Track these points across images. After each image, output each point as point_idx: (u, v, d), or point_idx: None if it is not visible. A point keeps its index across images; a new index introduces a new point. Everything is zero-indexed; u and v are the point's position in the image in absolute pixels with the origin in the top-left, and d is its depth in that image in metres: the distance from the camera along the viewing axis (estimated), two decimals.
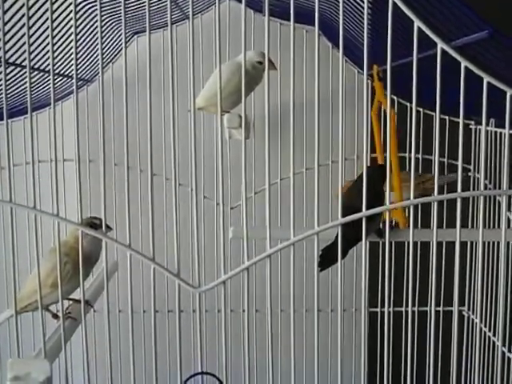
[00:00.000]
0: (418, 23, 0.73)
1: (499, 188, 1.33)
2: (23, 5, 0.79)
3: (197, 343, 0.87)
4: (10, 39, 1.03)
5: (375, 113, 1.35)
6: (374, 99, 1.35)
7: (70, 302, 1.19)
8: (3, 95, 0.81)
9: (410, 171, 0.79)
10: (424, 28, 0.73)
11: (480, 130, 1.54)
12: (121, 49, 1.61)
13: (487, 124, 0.82)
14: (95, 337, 1.53)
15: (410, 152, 0.80)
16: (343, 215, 0.81)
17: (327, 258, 1.05)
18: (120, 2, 1.17)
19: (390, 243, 0.84)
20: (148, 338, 1.57)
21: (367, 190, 0.80)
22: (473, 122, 1.55)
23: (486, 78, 0.73)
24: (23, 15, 0.81)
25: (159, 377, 0.86)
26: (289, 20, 0.78)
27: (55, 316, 1.13)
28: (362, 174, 0.85)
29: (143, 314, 1.61)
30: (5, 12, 0.79)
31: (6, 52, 0.80)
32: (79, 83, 1.59)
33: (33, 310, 1.14)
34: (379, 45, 0.87)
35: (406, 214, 1.26)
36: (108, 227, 0.86)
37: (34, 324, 1.37)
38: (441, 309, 1.57)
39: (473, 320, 1.61)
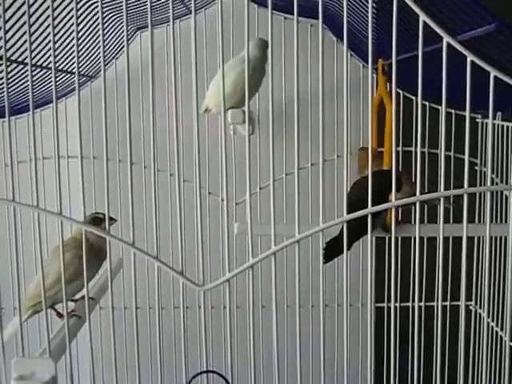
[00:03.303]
0: (423, 17, 0.72)
1: (506, 182, 1.32)
2: (24, 2, 0.78)
3: (202, 339, 0.87)
4: (12, 37, 1.03)
5: (374, 108, 1.34)
6: (376, 93, 1.35)
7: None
8: (5, 92, 0.80)
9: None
10: (430, 22, 0.72)
11: (487, 123, 1.53)
12: (124, 44, 1.59)
13: (494, 118, 0.82)
14: (101, 334, 1.53)
15: (416, 146, 0.79)
16: (349, 211, 0.81)
17: (331, 251, 1.04)
18: None
19: (397, 238, 0.83)
20: (154, 335, 1.57)
21: (373, 190, 0.79)
22: (479, 116, 1.54)
23: (493, 72, 0.73)
24: (24, 13, 0.80)
25: (165, 374, 0.86)
26: (293, 14, 0.77)
27: (60, 315, 1.13)
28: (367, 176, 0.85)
29: (149, 311, 1.61)
30: (6, 10, 0.79)
31: (7, 50, 0.79)
32: (83, 79, 1.58)
33: (41, 309, 1.14)
34: (385, 38, 0.86)
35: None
36: (112, 219, 0.85)
37: (39, 322, 1.37)
38: (448, 303, 1.56)
39: (480, 314, 1.60)
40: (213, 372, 0.86)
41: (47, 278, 1.05)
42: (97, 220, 1.11)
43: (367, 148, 1.41)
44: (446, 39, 0.72)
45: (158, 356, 0.86)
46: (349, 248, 0.85)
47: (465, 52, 0.72)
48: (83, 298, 1.17)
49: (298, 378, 0.85)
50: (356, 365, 1.63)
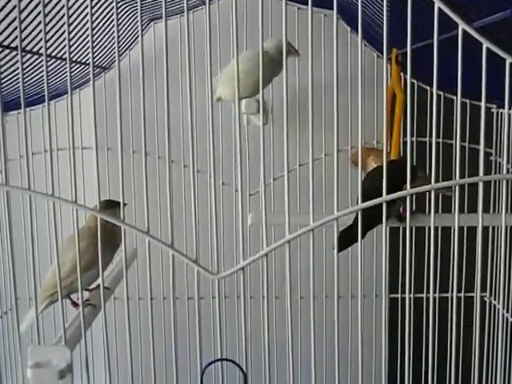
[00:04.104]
0: (438, 4, 0.72)
1: None
2: None
3: (217, 329, 0.87)
4: (27, 27, 1.03)
5: (388, 98, 1.34)
6: (389, 84, 1.34)
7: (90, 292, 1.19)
8: (20, 83, 0.81)
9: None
10: (444, 8, 0.72)
11: (502, 113, 1.52)
12: (138, 36, 1.60)
13: (510, 107, 0.81)
14: (115, 324, 1.54)
15: (431, 136, 0.79)
16: (363, 200, 0.80)
17: (345, 240, 1.03)
18: None
19: (411, 228, 0.83)
20: (168, 325, 1.57)
21: (388, 180, 0.79)
22: (494, 106, 1.53)
23: (509, 59, 0.72)
24: (39, 3, 0.80)
25: (179, 363, 0.86)
26: (306, 4, 0.77)
27: (74, 304, 1.14)
28: (381, 166, 0.85)
29: (163, 301, 1.62)
30: (20, 0, 0.79)
31: (22, 40, 0.80)
32: (97, 70, 1.59)
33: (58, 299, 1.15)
34: (398, 27, 0.85)
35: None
36: (124, 204, 0.86)
37: (54, 312, 1.38)
38: (462, 295, 1.56)
39: (495, 306, 1.59)
40: (227, 360, 0.86)
41: (63, 267, 1.05)
42: (111, 203, 1.12)
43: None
44: (462, 26, 0.72)
45: (172, 345, 0.86)
46: (363, 237, 0.85)
47: (480, 39, 0.71)
48: (98, 287, 1.17)
49: (313, 369, 0.85)
50: (370, 355, 1.63)
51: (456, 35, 0.73)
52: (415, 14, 0.75)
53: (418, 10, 0.80)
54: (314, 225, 0.80)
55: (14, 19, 0.86)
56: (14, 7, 0.79)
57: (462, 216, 0.82)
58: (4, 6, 0.83)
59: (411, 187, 0.79)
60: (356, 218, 0.83)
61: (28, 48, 1.10)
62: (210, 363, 0.85)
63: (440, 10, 0.72)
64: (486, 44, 0.72)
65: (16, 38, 0.84)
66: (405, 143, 1.35)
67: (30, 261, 0.87)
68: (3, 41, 0.97)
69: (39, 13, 0.86)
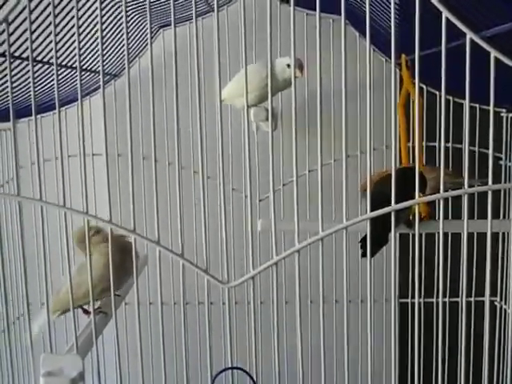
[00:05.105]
0: (446, 14, 0.72)
1: None
2: (49, 3, 0.79)
3: (227, 335, 0.88)
4: (38, 37, 1.04)
5: (401, 103, 1.34)
6: (402, 89, 1.34)
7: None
8: (31, 92, 0.81)
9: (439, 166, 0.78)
10: (452, 18, 0.72)
11: (511, 117, 1.52)
12: (147, 43, 1.61)
13: None
14: (127, 330, 1.55)
15: (440, 141, 0.79)
16: (373, 207, 0.80)
17: (376, 245, 1.02)
18: None
19: (420, 234, 0.83)
20: (179, 331, 1.58)
21: (398, 187, 0.78)
22: (504, 110, 1.53)
23: None
24: (50, 14, 0.81)
25: (190, 369, 0.87)
26: (314, 10, 0.77)
27: (86, 312, 1.14)
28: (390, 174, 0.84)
29: (174, 306, 1.62)
30: (31, 11, 0.80)
31: (33, 50, 0.80)
32: (107, 78, 1.60)
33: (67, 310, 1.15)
34: (407, 33, 0.85)
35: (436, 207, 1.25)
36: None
37: (65, 319, 1.38)
38: (472, 299, 1.55)
39: (505, 310, 1.59)
40: (238, 369, 0.86)
41: (83, 286, 1.03)
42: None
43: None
44: (470, 35, 0.72)
45: (183, 352, 0.86)
46: (386, 241, 0.84)
47: (488, 48, 0.71)
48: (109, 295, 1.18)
49: (322, 374, 0.85)
50: (380, 360, 1.63)
51: (464, 42, 0.73)
52: (424, 20, 0.75)
53: (426, 17, 0.80)
54: (324, 234, 0.80)
55: (25, 30, 0.86)
56: (25, 19, 0.80)
57: (471, 222, 0.82)
58: (15, 18, 0.84)
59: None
60: (380, 221, 0.82)
61: (39, 58, 1.11)
62: (221, 372, 0.86)
63: (448, 19, 0.72)
64: (493, 53, 0.72)
65: (27, 48, 0.84)
66: (413, 148, 1.35)
67: (41, 266, 0.87)
68: (15, 51, 0.98)
69: (50, 23, 0.87)
